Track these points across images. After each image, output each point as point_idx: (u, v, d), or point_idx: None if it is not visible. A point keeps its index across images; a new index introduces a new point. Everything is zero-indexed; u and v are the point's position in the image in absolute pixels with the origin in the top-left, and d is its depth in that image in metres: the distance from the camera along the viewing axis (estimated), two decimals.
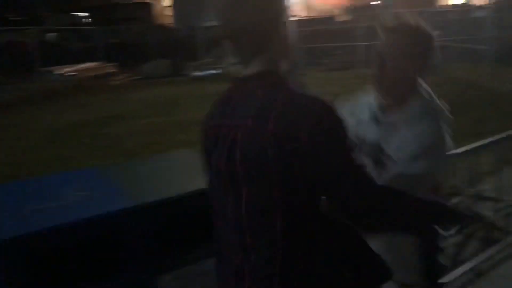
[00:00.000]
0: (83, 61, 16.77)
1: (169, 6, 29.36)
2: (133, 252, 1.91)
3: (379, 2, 28.71)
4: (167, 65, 16.68)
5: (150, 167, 2.58)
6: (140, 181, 2.28)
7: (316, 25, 17.29)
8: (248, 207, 1.16)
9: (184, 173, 2.33)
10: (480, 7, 17.35)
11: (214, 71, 14.87)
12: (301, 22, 15.73)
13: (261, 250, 1.15)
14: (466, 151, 3.34)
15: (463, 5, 24.22)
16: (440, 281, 1.65)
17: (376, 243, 1.29)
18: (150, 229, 1.96)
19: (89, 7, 26.44)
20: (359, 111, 1.59)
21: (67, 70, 15.85)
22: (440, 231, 1.49)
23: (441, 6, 24.17)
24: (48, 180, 2.49)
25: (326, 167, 1.10)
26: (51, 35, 20.26)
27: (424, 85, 1.52)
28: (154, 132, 8.32)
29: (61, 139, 8.11)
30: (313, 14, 23.49)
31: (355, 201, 1.09)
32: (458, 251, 3.39)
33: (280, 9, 1.20)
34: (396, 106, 1.48)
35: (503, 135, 3.85)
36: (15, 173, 5.97)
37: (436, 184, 1.53)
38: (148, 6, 28.63)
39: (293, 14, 1.63)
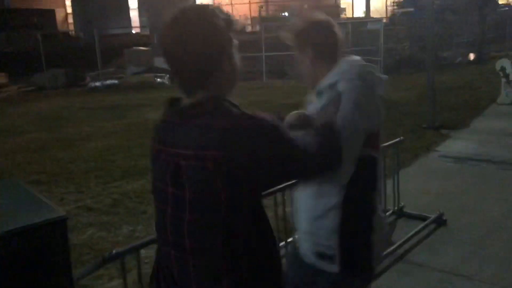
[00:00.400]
0: None
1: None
2: None
3: (286, 13, 29.81)
4: (63, 75, 15.68)
5: None
6: None
7: None
8: (190, 228, 1.22)
9: None
10: (375, 20, 18.51)
11: (112, 82, 14.25)
12: None
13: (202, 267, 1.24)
14: None
15: (360, 18, 25.69)
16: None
17: (303, 215, 1.72)
18: None
19: None
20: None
21: None
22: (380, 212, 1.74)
23: (343, 18, 25.42)
24: None
25: (273, 175, 1.25)
26: None
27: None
28: (33, 149, 7.63)
29: None
30: None
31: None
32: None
33: (223, 42, 1.24)
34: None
35: (393, 141, 4.10)
36: None
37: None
38: (50, 13, 26.99)
39: None
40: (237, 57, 1.29)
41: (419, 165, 6.01)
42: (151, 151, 1.34)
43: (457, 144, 6.84)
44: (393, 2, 31.73)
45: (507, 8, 24.78)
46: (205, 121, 1.19)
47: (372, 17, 24.05)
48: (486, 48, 17.30)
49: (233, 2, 28.39)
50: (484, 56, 16.36)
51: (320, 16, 1.76)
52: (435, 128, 7.54)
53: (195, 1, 11.08)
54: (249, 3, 29.89)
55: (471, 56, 16.98)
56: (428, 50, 8.36)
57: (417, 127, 7.70)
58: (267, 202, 2.36)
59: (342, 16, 29.46)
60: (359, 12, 32.26)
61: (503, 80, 8.92)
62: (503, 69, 8.86)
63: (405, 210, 4.29)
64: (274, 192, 2.73)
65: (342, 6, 33.69)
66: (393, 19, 25.72)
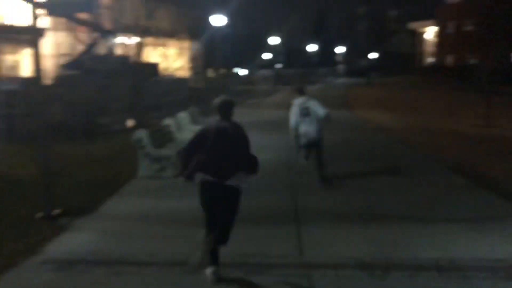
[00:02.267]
0: None
1: None
2: None
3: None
4: None
5: None
6: None
7: None
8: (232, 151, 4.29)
9: None
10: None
11: None
12: None
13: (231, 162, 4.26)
14: None
15: None
16: None
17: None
18: None
19: None
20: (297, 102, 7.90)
21: None
22: None
23: None
24: None
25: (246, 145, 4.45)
26: None
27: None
28: None
29: None
30: None
31: (250, 163, 4.46)
32: None
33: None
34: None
35: None
36: None
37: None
38: None
39: None
40: None
41: (7, 282, 4.20)
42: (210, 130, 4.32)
43: (73, 239, 5.38)
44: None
45: (167, 77, 26.63)
46: (230, 124, 4.38)
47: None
48: (147, 115, 17.44)
49: None
50: (145, 123, 16.29)
51: None
52: (52, 218, 5.94)
53: None
54: None
55: (130, 123, 16.71)
56: (39, 116, 6.53)
57: (29, 218, 5.93)
58: None
59: None
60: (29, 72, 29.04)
61: (141, 152, 8.25)
62: (139, 141, 8.20)
63: None
64: None
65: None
66: (57, 81, 23.91)
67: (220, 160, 4.18)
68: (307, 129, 7.22)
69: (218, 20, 25.02)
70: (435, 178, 8.06)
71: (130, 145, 11.46)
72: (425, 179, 7.99)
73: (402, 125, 15.81)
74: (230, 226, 4.33)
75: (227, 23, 27.97)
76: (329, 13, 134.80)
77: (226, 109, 4.39)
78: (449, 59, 62.59)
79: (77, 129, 13.54)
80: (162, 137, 9.81)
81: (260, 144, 11.92)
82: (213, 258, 4.27)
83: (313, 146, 7.83)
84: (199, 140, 4.27)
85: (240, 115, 20.21)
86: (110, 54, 28.79)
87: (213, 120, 4.43)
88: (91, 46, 30.81)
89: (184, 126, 11.55)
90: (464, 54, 58.40)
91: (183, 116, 11.66)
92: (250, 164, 4.36)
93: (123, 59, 24.60)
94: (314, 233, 5.46)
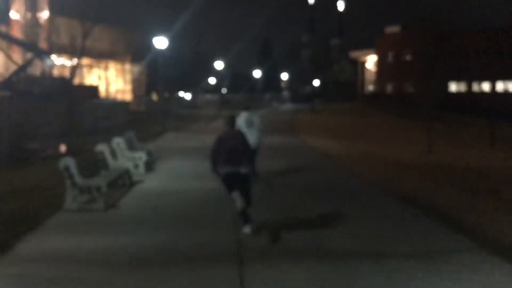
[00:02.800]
0: None
1: None
2: None
3: None
4: None
5: None
6: None
7: None
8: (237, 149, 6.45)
9: None
10: None
11: None
12: None
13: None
14: None
15: None
16: None
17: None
18: None
19: None
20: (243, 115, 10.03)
21: None
22: None
23: None
24: None
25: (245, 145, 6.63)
26: None
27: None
28: None
29: None
30: None
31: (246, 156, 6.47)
32: None
33: None
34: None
35: None
36: None
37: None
38: None
39: None
40: None
41: None
42: (223, 136, 6.61)
43: None
44: None
45: (107, 100, 25.49)
46: (232, 131, 6.75)
47: None
48: (82, 139, 16.33)
49: None
50: (80, 148, 15.18)
51: None
52: None
53: None
54: None
55: (63, 148, 15.54)
56: None
57: None
58: None
59: None
60: None
61: (68, 181, 7.39)
62: (66, 169, 7.35)
63: None
64: None
65: None
66: None
67: (232, 156, 6.31)
68: (249, 137, 7.92)
69: (160, 42, 24.42)
70: (385, 209, 7.79)
71: (60, 173, 10.48)
72: (375, 210, 7.69)
73: (347, 152, 15.76)
74: (250, 195, 6.43)
75: (171, 45, 27.38)
76: (274, 39, 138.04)
77: (231, 121, 6.72)
78: (389, 87, 65.29)
79: (1, 155, 12.29)
80: (94, 165, 8.96)
81: (201, 172, 11.31)
82: (246, 218, 6.31)
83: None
84: (218, 144, 6.50)
85: (182, 141, 19.51)
86: (45, 75, 27.27)
87: (224, 130, 6.77)
88: (24, 66, 29.10)
89: (120, 153, 10.72)
90: (403, 82, 61.11)
91: (118, 141, 10.84)
92: (247, 159, 6.41)
93: (59, 80, 23.30)
94: (258, 274, 4.90)
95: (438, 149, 16.88)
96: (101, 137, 18.11)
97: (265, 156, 14.29)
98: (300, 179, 10.58)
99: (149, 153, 12.48)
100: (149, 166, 11.94)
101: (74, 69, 14.64)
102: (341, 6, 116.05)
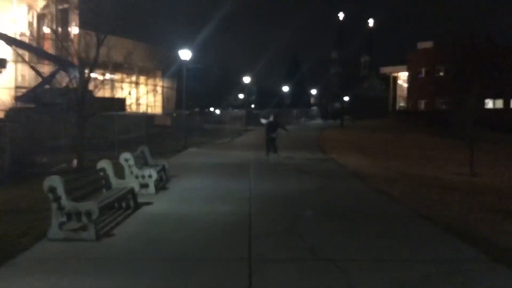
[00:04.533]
0: None
1: None
2: None
3: None
4: None
5: None
6: None
7: None
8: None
9: None
10: None
11: None
12: None
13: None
14: None
15: None
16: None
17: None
18: None
19: None
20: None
21: None
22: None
23: None
24: None
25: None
26: None
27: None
28: None
29: None
30: None
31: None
32: None
33: None
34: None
35: None
36: None
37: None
38: None
39: None
40: None
41: None
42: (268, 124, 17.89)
43: None
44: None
45: (133, 113, 24.75)
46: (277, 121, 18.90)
47: None
48: (92, 154, 15.41)
49: None
50: (87, 163, 14.25)
51: None
52: None
53: None
54: None
55: (74, 163, 14.63)
56: None
57: None
58: None
59: None
60: None
61: (54, 205, 6.28)
62: (52, 190, 6.25)
63: None
64: None
65: None
66: (9, 114, 21.78)
67: (271, 130, 17.34)
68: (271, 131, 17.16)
69: (184, 54, 23.67)
70: (435, 247, 6.33)
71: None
72: (424, 248, 6.25)
73: (382, 172, 14.26)
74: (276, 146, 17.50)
75: (199, 60, 26.69)
76: (302, 55, 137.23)
77: (275, 115, 18.53)
78: (421, 104, 63.05)
79: (3, 170, 11.42)
80: (93, 184, 7.89)
81: (217, 192, 10.12)
82: (275, 150, 17.44)
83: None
84: (267, 126, 17.74)
85: (203, 156, 18.36)
86: (69, 87, 26.86)
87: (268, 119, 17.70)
88: (48, 78, 28.83)
89: (128, 170, 9.65)
90: (435, 99, 58.85)
91: (126, 157, 9.77)
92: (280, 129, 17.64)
93: (86, 92, 22.75)
94: None
95: (480, 170, 15.21)
96: (118, 150, 17.24)
97: (288, 175, 13.06)
98: (328, 204, 9.21)
99: (163, 170, 11.39)
100: (162, 184, 10.83)
101: (86, 80, 13.78)
102: (371, 22, 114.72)
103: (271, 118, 18.05)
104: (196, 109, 47.46)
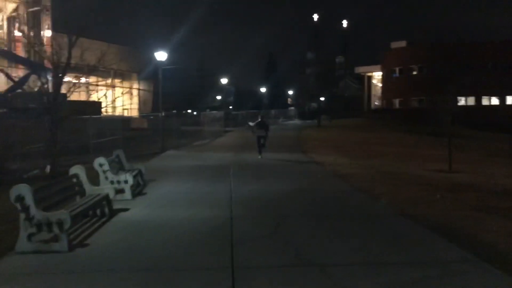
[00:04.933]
0: None
1: None
2: None
3: None
4: None
5: None
6: None
7: None
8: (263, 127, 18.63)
9: None
10: None
11: None
12: None
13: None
14: None
15: None
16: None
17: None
18: None
19: None
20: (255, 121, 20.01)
21: None
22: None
23: None
24: None
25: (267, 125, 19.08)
26: None
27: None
28: None
29: None
30: None
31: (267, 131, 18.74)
32: None
33: None
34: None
35: None
36: None
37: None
38: None
39: None
40: None
41: None
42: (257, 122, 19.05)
43: None
44: None
45: (102, 117, 24.13)
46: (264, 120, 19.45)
47: None
48: (66, 159, 14.87)
49: None
50: (61, 169, 13.71)
51: None
52: None
53: None
54: None
55: (48, 169, 14.08)
56: None
57: None
58: None
59: None
60: None
61: (22, 215, 5.88)
62: (20, 199, 5.86)
63: None
64: None
65: None
66: None
67: (260, 129, 18.37)
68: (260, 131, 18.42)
69: (160, 55, 23.25)
70: (423, 247, 6.19)
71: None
72: (412, 250, 6.09)
73: (362, 171, 14.17)
74: (265, 143, 18.54)
75: (176, 62, 26.25)
76: (279, 56, 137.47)
77: (262, 116, 19.38)
78: (396, 103, 63.77)
79: None
80: (65, 191, 7.49)
81: (197, 196, 9.81)
82: (260, 151, 18.18)
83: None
84: (255, 123, 18.84)
85: (181, 159, 17.95)
86: (41, 91, 26.05)
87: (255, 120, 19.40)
88: (20, 82, 27.90)
89: (102, 175, 9.25)
90: (410, 97, 59.61)
91: (101, 162, 9.37)
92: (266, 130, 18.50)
93: (58, 96, 22.06)
94: None
95: (458, 166, 15.31)
96: (92, 155, 16.72)
97: (269, 176, 12.81)
98: (312, 206, 9.01)
99: (139, 175, 11.02)
100: (139, 190, 10.45)
101: (58, 83, 13.27)
102: (344, 23, 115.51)
103: (259, 119, 19.07)
104: (174, 111, 46.86)
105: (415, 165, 16.62)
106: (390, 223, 7.56)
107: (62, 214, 5.87)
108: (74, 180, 7.80)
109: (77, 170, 7.87)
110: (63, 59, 14.13)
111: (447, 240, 6.47)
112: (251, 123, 20.94)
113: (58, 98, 13.66)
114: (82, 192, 7.81)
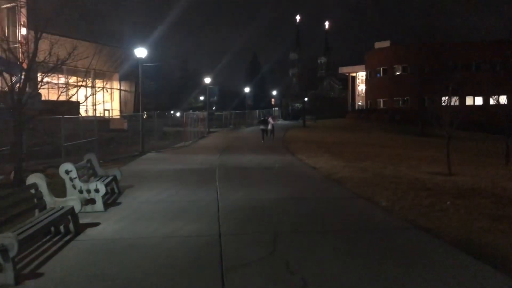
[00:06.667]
0: None
1: None
2: None
3: None
4: None
5: None
6: None
7: None
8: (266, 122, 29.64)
9: None
10: None
11: None
12: None
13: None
14: None
15: None
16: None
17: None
18: None
19: None
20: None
21: None
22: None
23: None
24: None
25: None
26: None
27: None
28: None
29: None
30: None
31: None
32: None
33: None
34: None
35: None
36: None
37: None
38: None
39: None
40: None
41: None
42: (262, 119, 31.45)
43: None
44: None
45: (77, 118, 22.69)
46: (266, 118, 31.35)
47: None
48: (37, 162, 13.52)
49: None
50: (24, 174, 12.35)
51: None
52: None
53: None
54: None
55: (12, 175, 12.70)
56: None
57: None
58: None
59: None
60: None
61: None
62: None
63: None
64: None
65: None
66: None
67: (263, 124, 28.97)
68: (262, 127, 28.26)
69: (140, 52, 21.97)
70: (453, 272, 5.15)
71: None
72: (440, 275, 5.05)
73: (357, 174, 13.14)
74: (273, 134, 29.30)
75: (160, 62, 25.09)
76: (262, 57, 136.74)
77: (264, 115, 42.49)
78: (380, 102, 63.34)
79: None
80: (24, 203, 6.26)
81: (179, 206, 8.63)
82: (263, 138, 27.87)
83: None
84: (259, 120, 33.26)
85: (162, 163, 16.60)
86: (9, 89, 24.53)
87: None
88: None
89: (69, 184, 8.01)
90: (393, 97, 59.18)
91: (68, 168, 8.12)
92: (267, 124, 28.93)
93: (23, 94, 20.66)
94: None
95: (455, 169, 14.54)
96: (64, 159, 15.33)
97: (259, 181, 11.68)
98: (311, 217, 7.91)
99: (114, 182, 9.80)
100: (113, 199, 9.24)
101: (24, 80, 11.97)
102: (326, 24, 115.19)
103: (261, 117, 27.53)
104: (156, 112, 45.46)
105: (410, 167, 15.72)
106: (404, 238, 6.50)
107: (6, 238, 4.64)
108: (32, 191, 6.56)
109: (36, 179, 6.63)
110: (32, 56, 12.84)
111: (476, 259, 5.45)
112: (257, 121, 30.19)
113: (23, 98, 12.30)
114: (42, 205, 6.58)
